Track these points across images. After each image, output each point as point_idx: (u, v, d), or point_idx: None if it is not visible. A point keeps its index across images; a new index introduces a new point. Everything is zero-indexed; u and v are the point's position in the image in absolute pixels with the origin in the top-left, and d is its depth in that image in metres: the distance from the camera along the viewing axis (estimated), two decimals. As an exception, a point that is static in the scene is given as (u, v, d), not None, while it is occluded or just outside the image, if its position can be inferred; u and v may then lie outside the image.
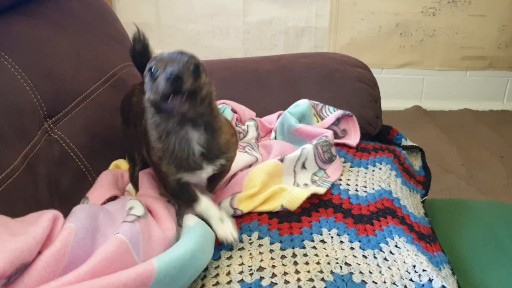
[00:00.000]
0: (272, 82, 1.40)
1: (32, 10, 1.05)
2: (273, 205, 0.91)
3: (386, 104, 1.52)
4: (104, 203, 0.92)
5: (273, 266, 0.76)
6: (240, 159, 1.02)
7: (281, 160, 1.00)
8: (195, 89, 0.70)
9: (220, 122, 0.82)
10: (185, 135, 0.77)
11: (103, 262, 0.58)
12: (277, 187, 0.93)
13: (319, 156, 1.04)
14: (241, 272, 0.75)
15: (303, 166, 1.03)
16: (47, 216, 0.61)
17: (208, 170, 0.83)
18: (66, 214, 0.86)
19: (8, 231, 0.57)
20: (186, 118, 0.75)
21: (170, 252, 0.65)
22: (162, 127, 0.76)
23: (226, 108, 1.23)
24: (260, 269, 0.76)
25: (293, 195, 0.91)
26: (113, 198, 0.94)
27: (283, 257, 0.79)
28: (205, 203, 0.84)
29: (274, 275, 0.74)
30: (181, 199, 0.87)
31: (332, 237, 0.84)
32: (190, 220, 0.78)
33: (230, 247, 0.82)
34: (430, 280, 0.75)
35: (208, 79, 0.75)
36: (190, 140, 0.77)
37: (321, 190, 0.95)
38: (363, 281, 0.73)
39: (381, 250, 0.81)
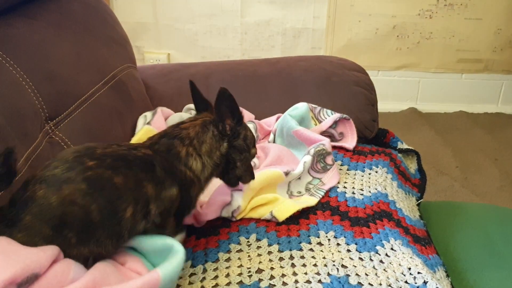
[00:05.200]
0: (270, 85, 1.41)
1: (32, 12, 1.05)
2: (262, 212, 0.92)
3: (382, 106, 1.54)
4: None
5: (272, 268, 0.78)
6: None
7: (286, 173, 1.00)
8: None
9: None
10: None
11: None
12: (271, 195, 0.94)
13: (312, 166, 1.05)
14: (240, 274, 0.77)
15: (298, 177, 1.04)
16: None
17: None
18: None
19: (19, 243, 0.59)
20: None
21: (171, 261, 0.66)
22: None
23: (225, 110, 1.24)
24: (259, 271, 0.77)
25: (284, 205, 0.92)
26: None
27: (281, 259, 0.80)
28: None
29: (272, 277, 0.76)
30: None
31: (329, 239, 0.85)
32: None
33: (228, 249, 0.84)
34: (425, 283, 0.76)
35: None
36: None
37: (313, 200, 0.97)
38: (359, 283, 0.75)
39: (377, 253, 0.83)
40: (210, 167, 0.80)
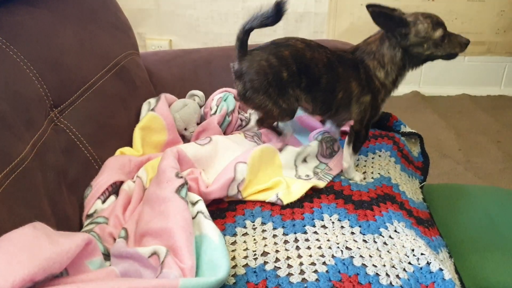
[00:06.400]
0: (273, 69, 1.41)
1: (34, -1, 1.05)
2: (268, 195, 0.93)
3: (385, 90, 1.53)
4: (108, 188, 0.93)
5: (277, 251, 0.79)
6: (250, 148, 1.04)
7: (280, 150, 1.03)
8: None
9: None
10: None
11: None
12: (278, 178, 0.95)
13: (322, 151, 1.07)
14: (245, 257, 0.78)
15: (304, 160, 1.05)
16: (82, 236, 0.64)
17: None
18: (75, 204, 0.89)
19: (48, 238, 0.59)
20: None
21: (198, 279, 0.66)
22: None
23: (229, 95, 1.25)
24: (264, 254, 0.79)
25: (289, 188, 0.93)
26: (118, 184, 0.95)
27: (285, 242, 0.81)
28: None
29: (277, 259, 0.77)
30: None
31: (333, 222, 0.86)
32: (211, 230, 0.78)
33: (234, 232, 0.85)
34: (428, 263, 0.78)
35: None
36: None
37: (321, 184, 0.98)
38: (363, 264, 0.76)
39: (380, 235, 0.84)
40: (395, 72, 0.96)
